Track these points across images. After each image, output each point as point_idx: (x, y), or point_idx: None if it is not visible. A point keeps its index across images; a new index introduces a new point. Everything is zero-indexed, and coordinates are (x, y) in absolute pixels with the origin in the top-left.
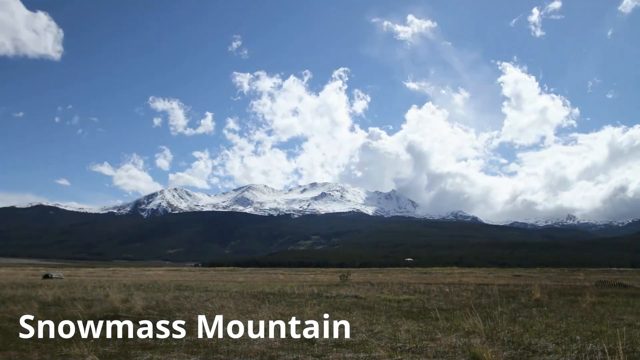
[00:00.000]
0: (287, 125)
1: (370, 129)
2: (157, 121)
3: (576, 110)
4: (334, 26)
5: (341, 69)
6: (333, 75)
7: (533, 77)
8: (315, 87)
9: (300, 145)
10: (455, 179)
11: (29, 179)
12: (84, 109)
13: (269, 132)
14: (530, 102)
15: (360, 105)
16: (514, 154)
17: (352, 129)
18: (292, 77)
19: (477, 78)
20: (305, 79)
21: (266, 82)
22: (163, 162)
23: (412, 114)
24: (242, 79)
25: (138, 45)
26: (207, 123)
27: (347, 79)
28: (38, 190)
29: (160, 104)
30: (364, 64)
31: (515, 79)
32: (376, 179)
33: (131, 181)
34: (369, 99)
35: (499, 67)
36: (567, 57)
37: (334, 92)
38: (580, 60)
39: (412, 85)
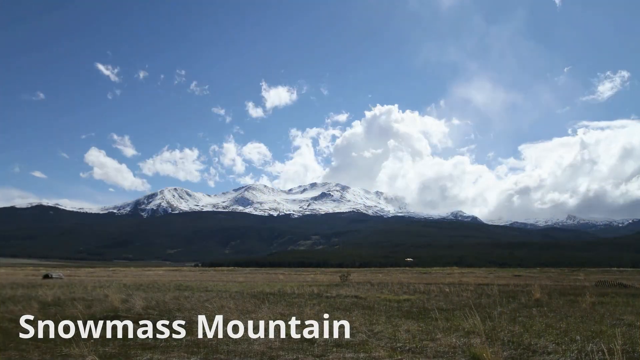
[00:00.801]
0: (277, 100)
1: (373, 109)
2: (110, 94)
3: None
4: None
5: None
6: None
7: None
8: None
9: (290, 131)
10: (455, 175)
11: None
12: (21, 81)
13: (256, 104)
14: (566, 87)
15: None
16: (531, 146)
17: (348, 112)
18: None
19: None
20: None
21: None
22: (127, 148)
23: (420, 97)
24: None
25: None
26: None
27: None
28: (16, 184)
29: (109, 73)
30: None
31: (547, 59)
32: (373, 172)
33: (101, 169)
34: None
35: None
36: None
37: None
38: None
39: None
